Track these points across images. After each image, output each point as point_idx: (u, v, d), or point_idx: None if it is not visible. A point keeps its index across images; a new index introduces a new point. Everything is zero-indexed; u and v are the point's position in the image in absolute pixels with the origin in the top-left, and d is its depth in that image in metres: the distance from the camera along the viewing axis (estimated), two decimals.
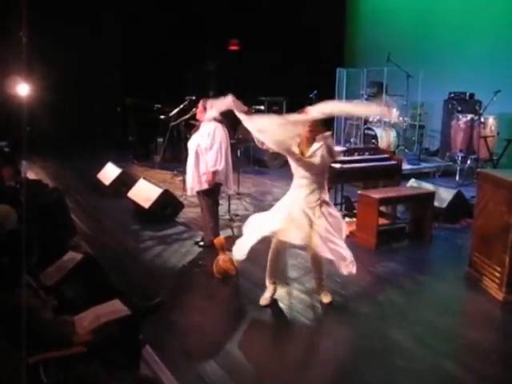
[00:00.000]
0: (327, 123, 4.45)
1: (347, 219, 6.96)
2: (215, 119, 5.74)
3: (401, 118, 10.33)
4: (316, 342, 4.14)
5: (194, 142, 5.80)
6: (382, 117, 4.71)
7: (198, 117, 5.98)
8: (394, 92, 10.89)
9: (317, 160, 4.34)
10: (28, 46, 3.45)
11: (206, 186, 5.77)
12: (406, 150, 10.45)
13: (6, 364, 2.80)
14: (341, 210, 7.25)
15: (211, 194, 5.88)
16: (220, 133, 5.75)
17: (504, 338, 4.28)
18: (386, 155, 7.21)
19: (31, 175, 8.55)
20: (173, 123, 8.78)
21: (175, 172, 9.54)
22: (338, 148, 7.32)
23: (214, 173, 5.71)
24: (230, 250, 5.45)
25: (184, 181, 7.47)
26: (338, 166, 6.48)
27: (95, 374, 3.00)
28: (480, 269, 5.10)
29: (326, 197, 4.52)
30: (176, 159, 9.81)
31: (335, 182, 6.67)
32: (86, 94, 12.02)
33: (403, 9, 12.29)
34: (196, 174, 5.76)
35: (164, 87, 11.67)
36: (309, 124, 4.30)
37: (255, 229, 4.52)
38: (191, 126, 6.34)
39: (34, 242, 3.32)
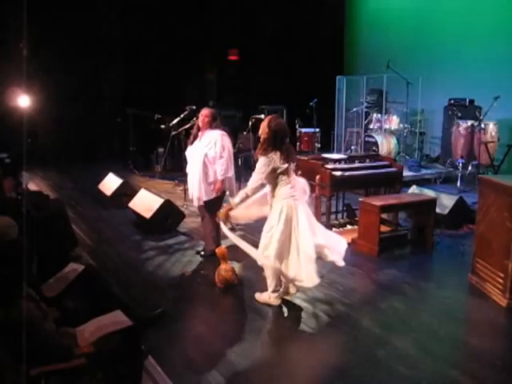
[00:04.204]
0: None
1: (349, 227, 6.96)
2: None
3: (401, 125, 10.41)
4: (319, 350, 4.12)
5: (199, 152, 5.68)
6: None
7: (204, 124, 5.72)
8: (394, 99, 10.94)
9: None
10: (28, 57, 3.47)
11: (214, 195, 5.73)
12: (407, 157, 10.46)
13: (7, 376, 2.79)
14: (342, 218, 7.26)
15: (217, 203, 5.70)
16: (227, 140, 5.74)
17: (508, 345, 4.25)
18: (386, 162, 7.21)
19: (32, 186, 8.56)
20: (173, 133, 8.79)
21: (176, 182, 9.55)
22: (338, 156, 7.34)
23: (224, 181, 5.70)
24: (232, 260, 5.47)
25: (185, 190, 7.46)
26: (338, 173, 6.48)
27: None
28: (483, 275, 5.08)
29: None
30: (177, 169, 9.81)
31: (336, 189, 6.67)
32: (87, 104, 12.06)
33: (402, 16, 12.36)
34: (204, 185, 5.67)
35: (164, 97, 11.72)
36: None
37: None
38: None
39: (33, 252, 3.31)
